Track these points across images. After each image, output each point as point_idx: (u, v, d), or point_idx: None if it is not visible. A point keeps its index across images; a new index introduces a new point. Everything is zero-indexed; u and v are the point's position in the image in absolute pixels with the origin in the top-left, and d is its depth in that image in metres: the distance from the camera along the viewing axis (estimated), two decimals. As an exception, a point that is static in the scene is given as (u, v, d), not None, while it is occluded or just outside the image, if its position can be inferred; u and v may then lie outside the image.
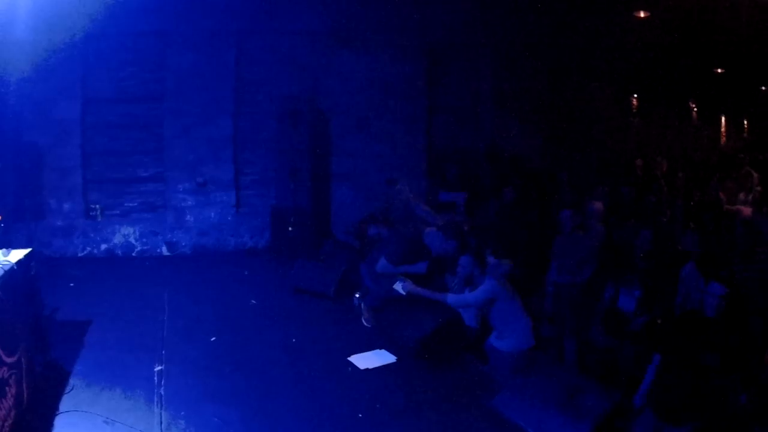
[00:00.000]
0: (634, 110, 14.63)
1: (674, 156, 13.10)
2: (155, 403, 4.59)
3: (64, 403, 4.56)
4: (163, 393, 4.74)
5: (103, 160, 9.49)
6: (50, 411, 4.43)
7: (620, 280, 6.32)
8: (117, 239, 9.58)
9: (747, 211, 8.02)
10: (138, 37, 9.30)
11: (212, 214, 9.91)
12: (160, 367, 5.17)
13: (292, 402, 4.77)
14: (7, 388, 3.87)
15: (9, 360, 3.94)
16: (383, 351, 5.78)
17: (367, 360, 5.60)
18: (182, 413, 4.43)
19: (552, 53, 11.08)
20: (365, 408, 4.66)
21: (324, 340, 6.07)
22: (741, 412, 4.79)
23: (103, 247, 9.51)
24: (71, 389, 4.77)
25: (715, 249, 6.14)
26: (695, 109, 17.01)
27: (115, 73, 9.37)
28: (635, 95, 14.62)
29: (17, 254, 4.62)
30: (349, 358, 5.59)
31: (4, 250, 4.55)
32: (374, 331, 6.33)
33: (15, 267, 4.37)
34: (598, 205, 7.59)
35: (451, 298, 5.98)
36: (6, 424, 3.86)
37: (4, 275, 4.14)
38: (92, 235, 9.48)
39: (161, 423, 4.31)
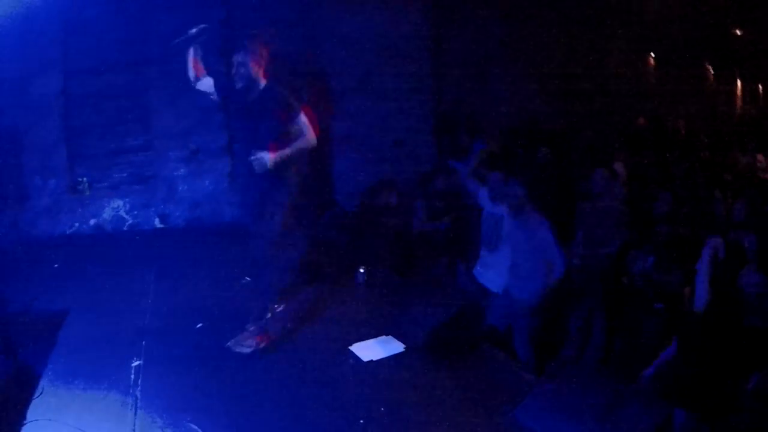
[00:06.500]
0: (651, 69, 13.89)
1: (692, 118, 12.47)
2: (130, 409, 4.09)
3: (32, 411, 4.08)
4: (138, 395, 4.23)
5: (87, 132, 8.85)
6: (16, 419, 3.95)
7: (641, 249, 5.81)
8: (106, 213, 9.00)
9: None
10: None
11: (206, 183, 9.30)
12: (138, 362, 4.66)
13: (281, 404, 4.23)
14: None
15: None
16: (389, 338, 5.17)
17: (370, 350, 5.01)
18: (158, 422, 3.93)
19: (566, 6, 10.32)
20: (366, 413, 4.10)
21: (322, 325, 5.51)
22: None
23: (92, 222, 8.93)
24: (40, 393, 4.28)
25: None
26: (711, 71, 16.28)
27: (96, 40, 8.65)
28: (652, 54, 13.89)
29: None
30: (350, 347, 5.03)
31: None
32: (379, 313, 5.72)
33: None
34: (619, 166, 7.15)
35: None
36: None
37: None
38: (80, 210, 8.89)
39: (133, 434, 3.82)
